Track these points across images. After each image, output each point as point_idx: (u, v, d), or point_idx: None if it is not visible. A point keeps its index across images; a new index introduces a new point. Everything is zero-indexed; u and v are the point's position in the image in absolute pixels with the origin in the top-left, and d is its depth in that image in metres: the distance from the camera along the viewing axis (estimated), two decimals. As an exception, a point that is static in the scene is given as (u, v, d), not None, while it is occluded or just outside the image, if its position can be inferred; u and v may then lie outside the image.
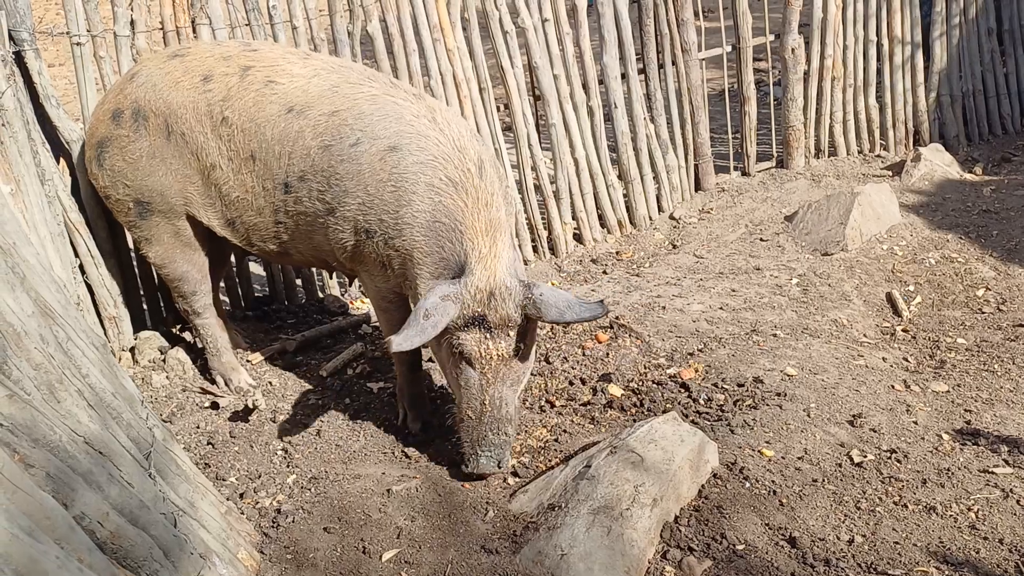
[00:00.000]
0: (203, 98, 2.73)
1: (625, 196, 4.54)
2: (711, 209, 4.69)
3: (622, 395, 3.14)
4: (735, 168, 4.99)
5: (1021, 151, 5.08)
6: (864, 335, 3.54)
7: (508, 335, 2.51)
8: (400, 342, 2.35)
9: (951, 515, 2.41)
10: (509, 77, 4.08)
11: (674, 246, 4.43)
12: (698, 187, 4.82)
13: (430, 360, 3.31)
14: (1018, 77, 5.20)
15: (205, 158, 2.77)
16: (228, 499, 2.46)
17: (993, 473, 2.58)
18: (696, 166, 4.77)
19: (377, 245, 2.62)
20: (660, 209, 4.66)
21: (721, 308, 3.74)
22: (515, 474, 2.70)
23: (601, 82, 4.39)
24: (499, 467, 2.57)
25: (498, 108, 4.19)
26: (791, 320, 3.62)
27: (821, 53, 4.80)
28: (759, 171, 4.99)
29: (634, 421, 2.90)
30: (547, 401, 3.11)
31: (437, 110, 2.70)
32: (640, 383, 3.23)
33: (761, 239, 4.34)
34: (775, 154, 5.06)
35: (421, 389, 2.93)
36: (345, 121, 2.63)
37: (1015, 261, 3.92)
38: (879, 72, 4.97)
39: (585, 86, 4.30)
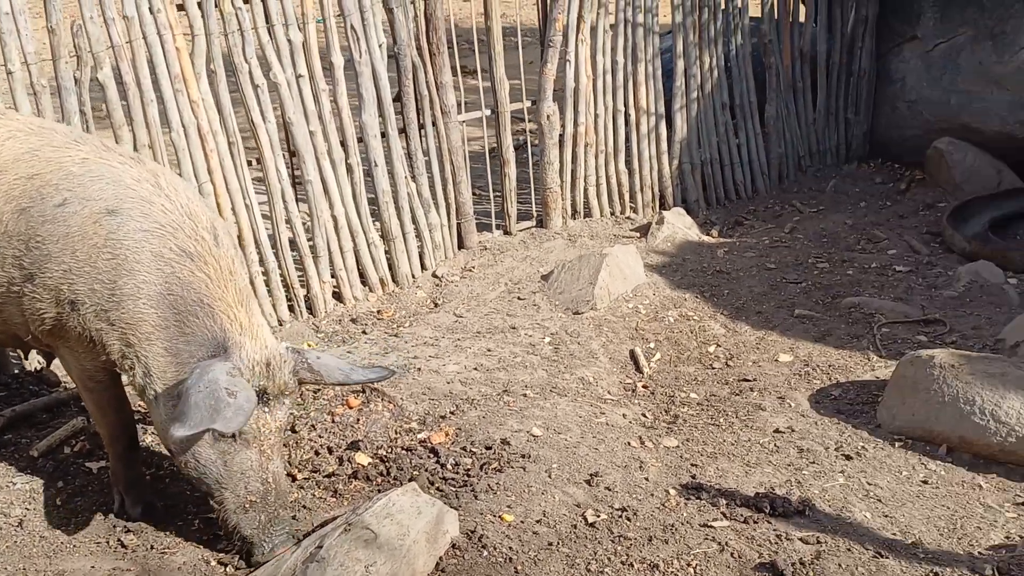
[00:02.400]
0: None
1: (387, 254, 4.51)
2: (473, 267, 4.76)
3: (369, 464, 3.07)
4: (497, 227, 5.11)
5: (752, 215, 5.58)
6: (608, 392, 3.70)
7: (284, 404, 2.49)
8: (227, 423, 2.21)
9: (672, 571, 2.53)
10: (261, 132, 3.95)
11: (436, 304, 4.44)
12: (461, 245, 4.89)
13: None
14: (748, 148, 5.73)
15: None
16: None
17: (711, 527, 2.74)
18: (459, 225, 4.84)
19: (85, 318, 2.40)
20: (423, 267, 4.67)
21: (476, 368, 3.77)
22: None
23: (361, 140, 4.36)
24: (294, 541, 2.51)
25: (249, 163, 4.04)
26: (541, 379, 3.72)
27: (575, 120, 5.06)
28: (520, 230, 5.14)
29: (379, 491, 2.83)
30: (288, 474, 2.96)
31: (160, 174, 2.55)
32: (389, 450, 3.17)
33: (519, 298, 4.45)
34: (535, 214, 5.25)
35: (140, 470, 2.70)
36: (48, 182, 2.41)
37: (742, 319, 4.26)
38: (628, 139, 5.30)
39: (344, 143, 4.25)
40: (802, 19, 5.83)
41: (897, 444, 3.18)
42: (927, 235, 5.09)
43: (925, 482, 2.97)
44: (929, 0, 5.63)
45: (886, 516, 2.79)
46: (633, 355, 4.00)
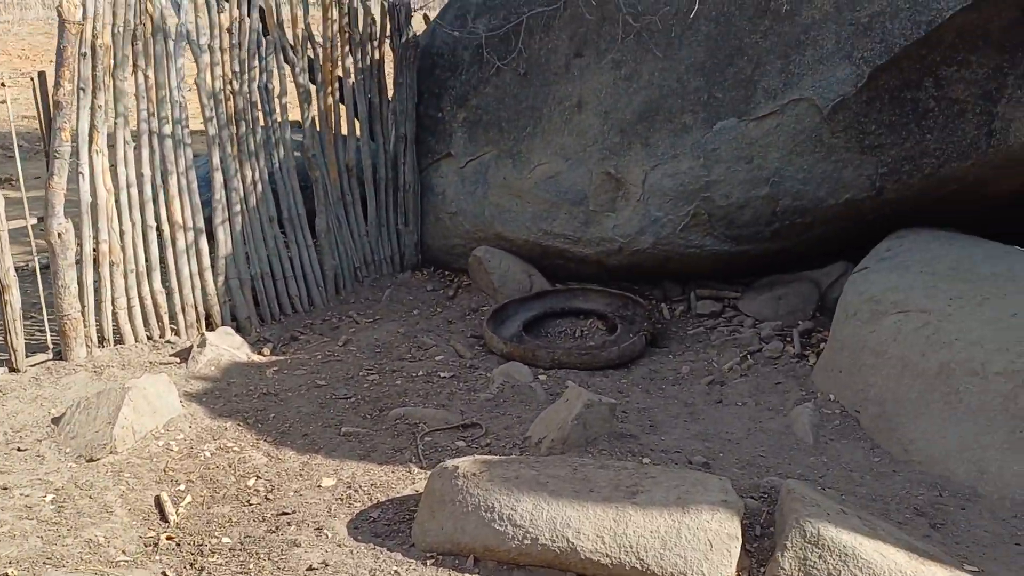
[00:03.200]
0: None
1: None
2: (-39, 417, 3.93)
3: None
4: (1, 364, 4.32)
5: (309, 329, 5.44)
6: (123, 552, 3.17)
7: None
8: None
9: None
10: None
11: (-100, 470, 3.55)
12: (-55, 391, 4.03)
13: None
14: (301, 261, 5.61)
15: None
16: None
17: None
18: (-60, 366, 3.99)
19: None
20: None
21: (-60, 550, 3.02)
22: None
23: None
24: None
25: None
26: (35, 549, 3.08)
27: (95, 238, 4.52)
28: (32, 365, 4.41)
29: None
30: None
31: None
32: None
33: (19, 449, 3.74)
34: (52, 345, 4.55)
35: None
36: None
37: (287, 444, 4.01)
38: (163, 257, 4.88)
39: None
40: (345, 133, 5.95)
41: (429, 562, 3.11)
42: (472, 339, 5.35)
43: (453, 600, 2.92)
44: (458, 121, 6.10)
45: (412, 648, 2.66)
46: (158, 502, 3.52)
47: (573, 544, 2.95)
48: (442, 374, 4.76)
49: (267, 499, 3.62)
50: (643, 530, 2.93)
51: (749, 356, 4.96)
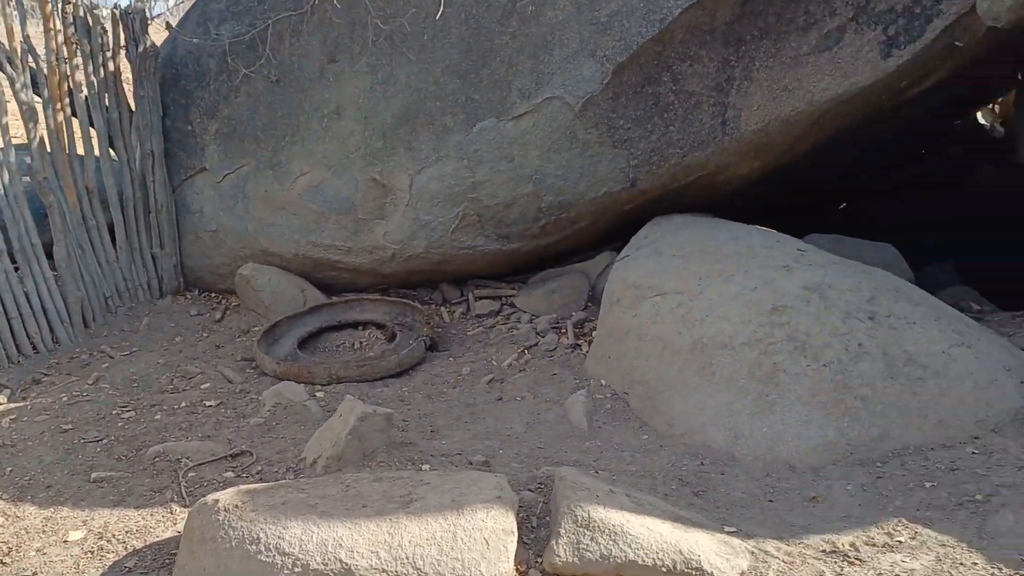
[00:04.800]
0: None
1: None
2: None
3: None
4: None
5: (54, 369, 4.91)
6: None
7: None
8: None
9: None
10: None
11: None
12: None
13: None
14: (40, 295, 5.06)
15: None
16: None
17: None
18: None
19: None
20: None
21: None
22: None
23: None
24: None
25: None
26: None
27: None
28: None
29: None
30: None
31: None
32: None
33: None
34: None
35: None
36: None
37: (27, 499, 3.57)
38: None
39: None
40: (82, 152, 5.45)
41: (193, 608, 2.85)
42: (242, 362, 5.05)
43: (220, 644, 2.69)
44: (211, 134, 5.76)
45: None
46: None
47: (347, 564, 2.81)
48: (208, 403, 4.44)
49: (2, 564, 3.19)
50: (419, 538, 2.84)
51: (526, 351, 5.02)
